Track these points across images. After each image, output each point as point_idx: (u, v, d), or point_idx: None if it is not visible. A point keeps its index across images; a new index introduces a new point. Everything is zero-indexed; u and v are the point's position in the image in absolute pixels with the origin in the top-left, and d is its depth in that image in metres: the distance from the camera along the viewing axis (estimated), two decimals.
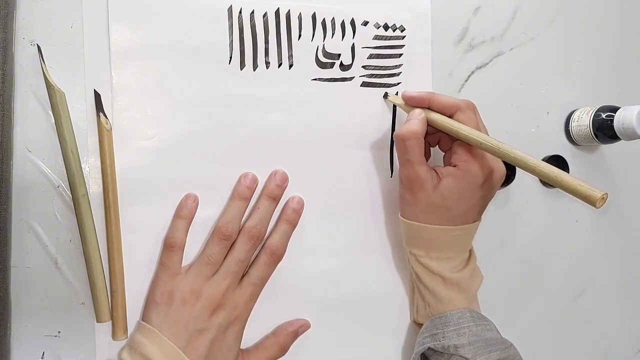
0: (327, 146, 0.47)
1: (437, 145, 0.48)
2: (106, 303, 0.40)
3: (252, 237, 0.42)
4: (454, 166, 0.44)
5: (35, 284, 0.40)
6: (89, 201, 0.39)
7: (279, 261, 0.43)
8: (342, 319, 0.48)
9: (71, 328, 0.41)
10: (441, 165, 0.46)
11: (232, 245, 0.42)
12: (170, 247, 0.41)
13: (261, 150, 0.45)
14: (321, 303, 0.47)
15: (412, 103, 0.46)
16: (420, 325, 0.47)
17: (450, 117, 0.44)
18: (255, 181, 0.44)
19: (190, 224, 0.42)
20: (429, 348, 0.44)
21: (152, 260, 0.42)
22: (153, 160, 0.42)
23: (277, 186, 0.44)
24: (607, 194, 0.36)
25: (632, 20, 0.61)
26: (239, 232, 0.42)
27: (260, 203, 0.44)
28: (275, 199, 0.44)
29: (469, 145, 0.43)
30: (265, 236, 0.43)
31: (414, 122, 0.43)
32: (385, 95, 0.49)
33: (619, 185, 0.60)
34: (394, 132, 0.44)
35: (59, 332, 0.40)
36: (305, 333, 0.46)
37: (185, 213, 0.42)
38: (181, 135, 0.43)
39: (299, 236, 0.46)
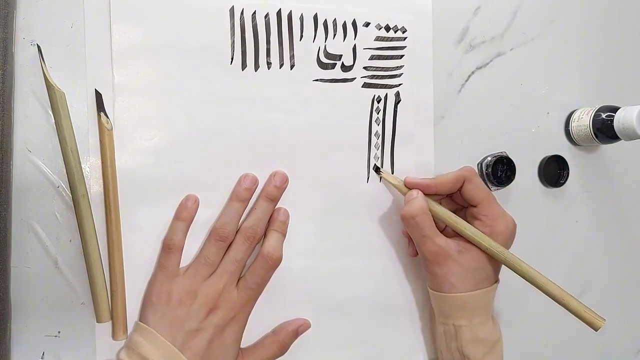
0: (328, 147, 0.47)
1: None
2: (106, 303, 0.40)
3: (249, 238, 0.42)
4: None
5: (35, 284, 0.40)
6: (89, 201, 0.39)
7: (277, 266, 0.42)
8: (341, 319, 0.48)
9: (71, 328, 0.41)
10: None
11: (229, 246, 0.42)
12: (169, 248, 0.41)
13: (262, 151, 0.45)
14: (321, 303, 0.47)
15: (417, 189, 0.46)
16: None
17: (459, 190, 0.45)
18: (254, 182, 0.44)
19: (190, 225, 0.42)
20: None
21: (152, 260, 0.42)
22: (154, 160, 0.42)
23: (276, 187, 0.44)
24: (606, 321, 0.41)
25: (632, 20, 0.61)
26: (236, 233, 0.42)
27: (257, 204, 0.44)
28: (274, 200, 0.44)
29: (489, 205, 0.44)
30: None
31: (418, 200, 0.44)
32: (377, 170, 0.48)
33: (619, 185, 0.60)
34: (401, 214, 0.44)
35: (59, 332, 0.40)
36: (305, 333, 0.46)
37: (184, 215, 0.42)
38: (182, 136, 0.43)
39: (299, 236, 0.46)
